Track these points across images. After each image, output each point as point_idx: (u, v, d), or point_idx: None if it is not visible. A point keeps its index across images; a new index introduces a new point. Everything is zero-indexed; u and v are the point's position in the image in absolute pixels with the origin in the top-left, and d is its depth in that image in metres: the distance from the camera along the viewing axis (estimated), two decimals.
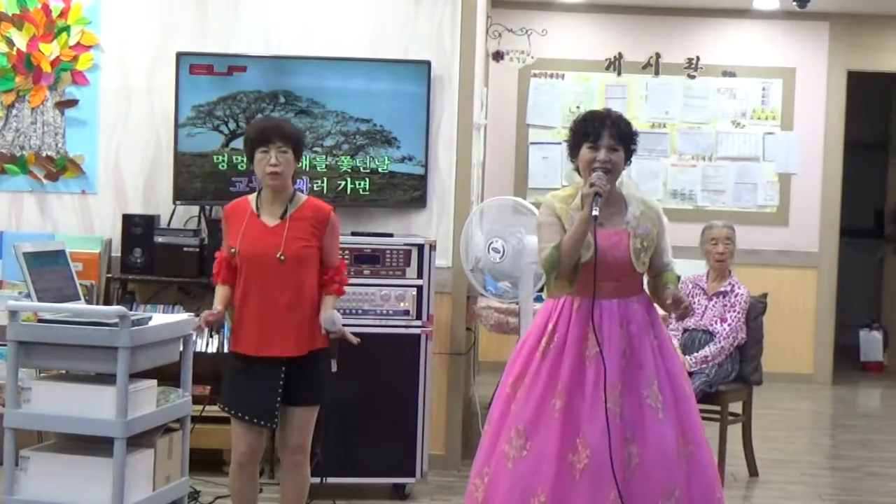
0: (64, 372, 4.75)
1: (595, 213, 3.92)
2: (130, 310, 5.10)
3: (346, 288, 5.51)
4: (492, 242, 5.59)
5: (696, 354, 6.01)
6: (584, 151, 4.07)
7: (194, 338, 4.44)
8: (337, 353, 4.44)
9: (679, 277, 4.24)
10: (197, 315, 4.37)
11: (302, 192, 4.52)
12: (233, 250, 4.33)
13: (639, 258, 4.08)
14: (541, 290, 6.15)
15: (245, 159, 4.52)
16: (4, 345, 4.71)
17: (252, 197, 4.44)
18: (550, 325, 4.08)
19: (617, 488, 3.86)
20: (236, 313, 4.35)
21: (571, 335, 4.03)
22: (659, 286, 4.18)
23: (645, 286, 4.22)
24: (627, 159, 4.12)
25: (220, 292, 4.40)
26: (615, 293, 4.05)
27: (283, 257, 4.27)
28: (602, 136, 4.04)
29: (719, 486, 4.17)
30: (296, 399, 4.33)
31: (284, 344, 4.28)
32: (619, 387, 3.97)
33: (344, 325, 4.37)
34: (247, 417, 4.32)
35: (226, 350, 4.89)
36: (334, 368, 4.35)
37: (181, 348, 4.64)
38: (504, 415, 4.10)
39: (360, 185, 5.98)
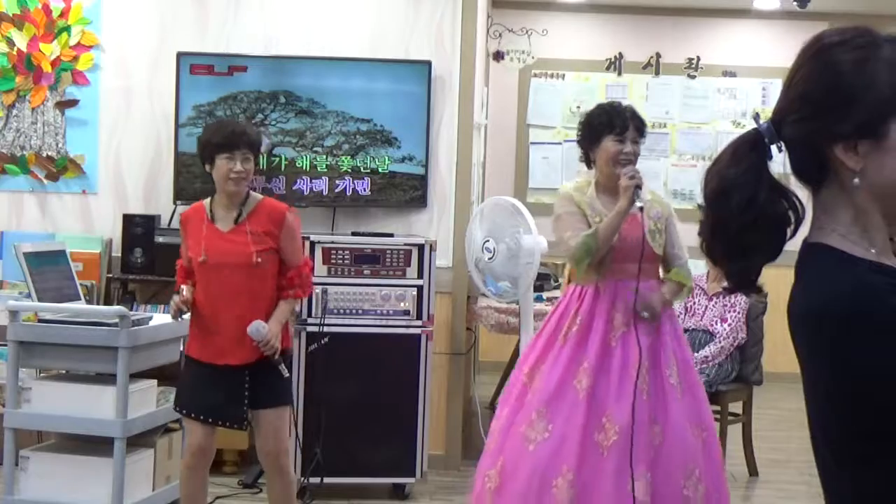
0: (64, 372, 4.75)
1: (639, 204, 4.04)
2: (131, 310, 5.11)
3: (347, 288, 5.49)
4: (486, 242, 5.60)
5: (696, 354, 6.01)
6: (609, 143, 4.19)
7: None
8: (282, 360, 4.34)
9: (689, 276, 4.33)
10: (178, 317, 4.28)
11: (256, 191, 4.42)
12: (201, 259, 4.21)
13: (654, 239, 4.22)
14: (539, 289, 6.16)
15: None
16: (4, 345, 4.72)
17: (206, 202, 4.33)
18: (573, 310, 4.18)
19: (630, 462, 3.91)
20: (193, 319, 4.26)
21: (598, 318, 4.13)
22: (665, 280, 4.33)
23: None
24: None
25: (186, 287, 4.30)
26: (638, 276, 4.14)
27: (235, 262, 4.18)
28: (629, 129, 4.18)
29: (725, 470, 4.31)
30: (262, 402, 4.22)
31: (243, 352, 4.17)
32: (646, 365, 4.08)
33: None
34: (210, 420, 4.21)
35: None
36: (286, 374, 4.29)
37: (181, 348, 4.64)
38: (519, 404, 4.16)
39: (360, 185, 5.98)
